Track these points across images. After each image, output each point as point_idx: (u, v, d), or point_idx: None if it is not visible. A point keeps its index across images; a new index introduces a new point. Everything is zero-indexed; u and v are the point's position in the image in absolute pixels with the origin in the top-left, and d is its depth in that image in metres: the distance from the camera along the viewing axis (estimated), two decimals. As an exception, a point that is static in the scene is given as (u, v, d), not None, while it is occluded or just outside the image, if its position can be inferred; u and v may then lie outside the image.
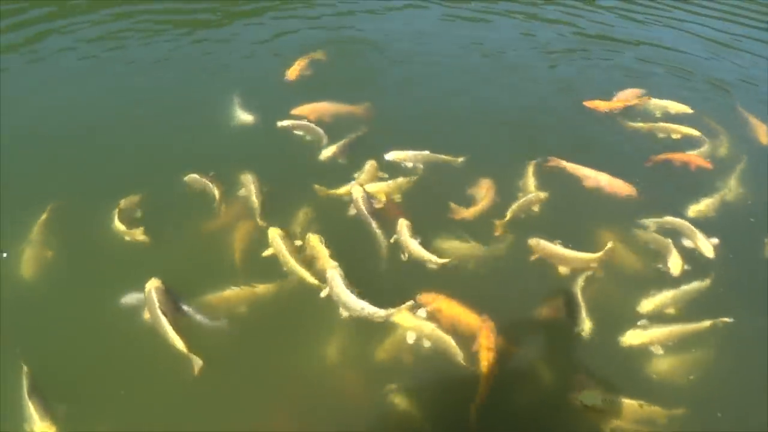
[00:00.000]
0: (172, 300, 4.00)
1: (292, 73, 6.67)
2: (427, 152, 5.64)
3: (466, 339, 3.99)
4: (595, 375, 3.86)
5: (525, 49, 8.19)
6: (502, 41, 8.34)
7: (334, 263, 4.31)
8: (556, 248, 4.71)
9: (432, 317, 4.10)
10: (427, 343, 3.97)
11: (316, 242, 4.51)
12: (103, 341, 3.89)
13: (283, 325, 4.08)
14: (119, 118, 5.95)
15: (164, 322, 3.81)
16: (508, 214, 5.01)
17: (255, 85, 6.63)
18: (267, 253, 4.48)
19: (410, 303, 4.08)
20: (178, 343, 3.74)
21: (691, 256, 4.81)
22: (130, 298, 4.03)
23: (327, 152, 5.57)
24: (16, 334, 3.88)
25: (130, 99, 6.27)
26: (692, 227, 4.99)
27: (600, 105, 6.75)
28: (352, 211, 4.93)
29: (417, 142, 5.70)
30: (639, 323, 4.19)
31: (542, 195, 5.25)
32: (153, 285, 4.00)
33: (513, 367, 3.92)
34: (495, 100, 6.92)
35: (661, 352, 4.04)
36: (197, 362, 3.68)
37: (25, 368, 3.60)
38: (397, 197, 5.15)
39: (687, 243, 4.93)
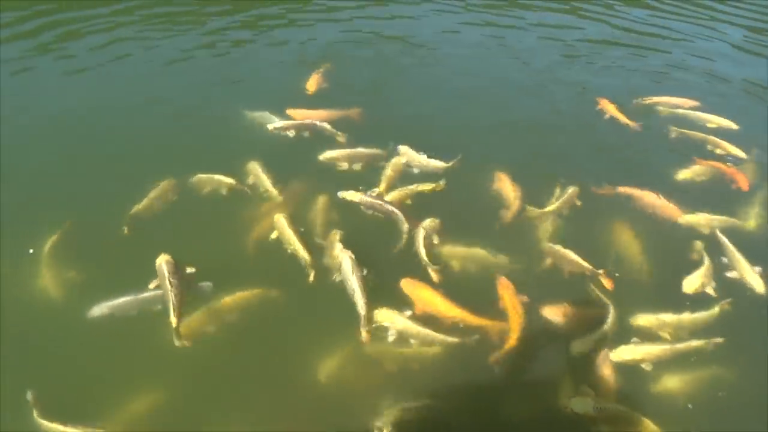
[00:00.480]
0: (178, 272, 4.24)
1: (311, 85, 6.64)
2: (424, 156, 5.62)
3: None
4: (588, 383, 3.81)
5: (552, 51, 8.13)
6: (528, 41, 8.32)
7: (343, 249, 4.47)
8: (569, 253, 4.68)
9: (416, 313, 4.17)
10: (414, 342, 4.01)
11: (334, 237, 4.64)
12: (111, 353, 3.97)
13: (281, 331, 4.15)
14: (132, 119, 6.10)
15: (170, 289, 4.06)
16: (550, 207, 5.13)
17: (272, 87, 6.78)
18: (273, 236, 4.70)
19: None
20: (173, 315, 3.95)
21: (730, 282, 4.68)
22: (99, 309, 4.10)
23: (329, 154, 5.58)
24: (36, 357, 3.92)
25: (143, 99, 6.42)
26: (737, 253, 4.81)
27: (609, 107, 6.69)
28: (368, 211, 5.01)
29: (426, 146, 5.73)
30: (632, 341, 4.11)
31: (577, 189, 5.34)
32: (163, 259, 4.27)
33: (505, 373, 3.91)
34: (514, 103, 6.89)
35: (650, 368, 3.97)
36: (181, 341, 3.91)
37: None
38: (408, 201, 5.17)
39: (727, 266, 4.80)
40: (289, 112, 6.16)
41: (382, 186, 5.26)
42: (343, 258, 4.35)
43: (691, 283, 4.56)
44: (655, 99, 6.88)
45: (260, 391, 3.80)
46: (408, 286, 4.34)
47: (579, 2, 9.48)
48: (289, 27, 8.28)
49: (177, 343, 3.87)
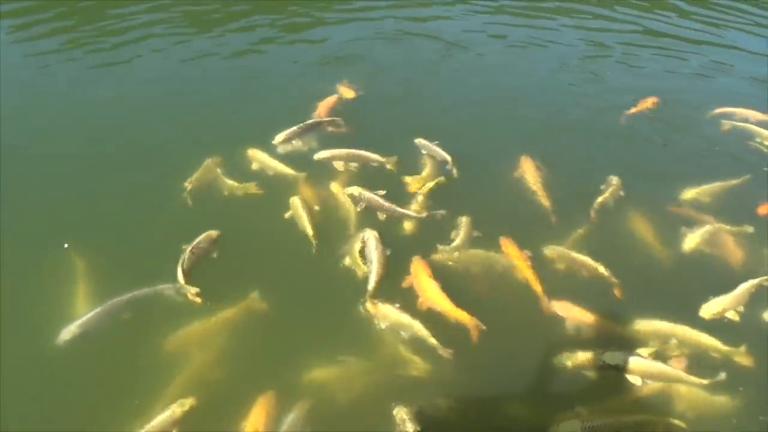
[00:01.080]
0: (205, 248, 4.64)
1: (346, 92, 6.57)
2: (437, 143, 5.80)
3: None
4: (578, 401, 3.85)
5: (587, 51, 8.06)
6: (566, 42, 8.23)
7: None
8: (576, 255, 4.71)
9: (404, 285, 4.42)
10: (404, 335, 4.14)
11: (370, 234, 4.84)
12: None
13: (282, 335, 4.23)
14: (152, 113, 6.25)
15: (186, 256, 4.47)
16: (600, 200, 5.26)
17: (297, 84, 6.87)
18: (288, 214, 4.99)
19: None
20: (180, 275, 4.36)
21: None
22: (68, 332, 3.98)
23: (324, 154, 5.65)
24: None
25: (165, 94, 6.60)
26: None
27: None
28: (360, 207, 5.13)
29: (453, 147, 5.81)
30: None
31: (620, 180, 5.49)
32: (208, 233, 4.70)
33: (492, 393, 3.97)
34: (547, 104, 6.86)
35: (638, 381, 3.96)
36: (191, 290, 4.28)
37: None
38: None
39: None
40: (321, 104, 6.28)
41: (416, 185, 5.42)
42: (368, 237, 4.69)
43: (709, 309, 4.44)
44: (748, 112, 6.61)
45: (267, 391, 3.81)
46: (415, 262, 4.57)
47: (614, 2, 9.24)
48: (315, 26, 8.33)
49: (192, 292, 4.23)
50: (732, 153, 6.11)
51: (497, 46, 7.98)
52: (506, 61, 7.66)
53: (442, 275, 4.53)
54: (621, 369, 3.96)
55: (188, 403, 3.67)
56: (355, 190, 5.22)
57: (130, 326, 4.12)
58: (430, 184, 5.38)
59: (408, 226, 5.05)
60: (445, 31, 8.17)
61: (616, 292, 4.53)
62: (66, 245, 4.62)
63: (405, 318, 4.18)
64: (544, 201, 5.29)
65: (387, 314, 4.22)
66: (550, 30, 8.44)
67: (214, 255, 4.65)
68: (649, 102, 6.67)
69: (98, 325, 4.08)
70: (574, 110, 6.72)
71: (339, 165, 5.61)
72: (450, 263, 4.69)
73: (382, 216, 5.11)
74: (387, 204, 5.13)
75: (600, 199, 5.30)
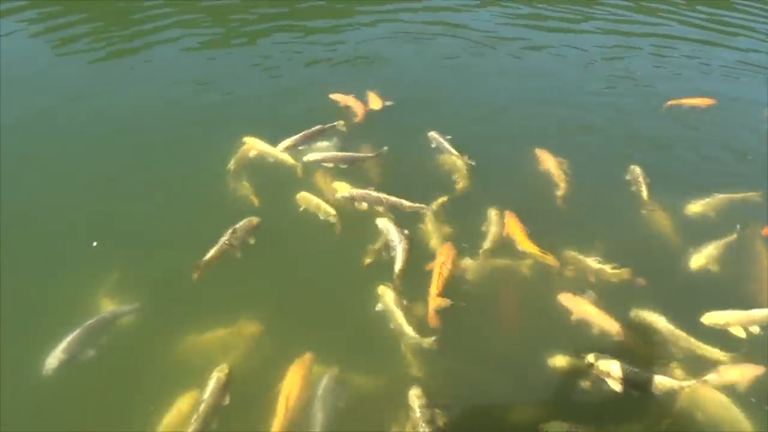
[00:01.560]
0: (244, 233, 4.72)
1: (374, 102, 6.48)
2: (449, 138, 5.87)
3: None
4: (565, 405, 3.86)
5: (615, 48, 7.96)
6: (596, 38, 8.16)
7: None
8: (590, 262, 4.67)
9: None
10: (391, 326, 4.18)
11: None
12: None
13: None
14: (165, 105, 6.36)
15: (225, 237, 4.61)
16: (645, 191, 5.37)
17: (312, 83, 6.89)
18: (301, 208, 5.10)
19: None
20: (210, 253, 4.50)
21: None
22: (53, 358, 3.79)
23: (313, 156, 5.61)
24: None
25: (179, 85, 6.72)
26: None
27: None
28: (363, 206, 5.17)
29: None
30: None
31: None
32: (249, 219, 4.81)
33: (481, 396, 3.94)
34: (574, 101, 6.81)
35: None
36: (194, 275, 4.38)
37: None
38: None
39: None
40: (333, 96, 6.42)
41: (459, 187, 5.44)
42: (386, 223, 4.84)
43: (710, 317, 4.32)
44: None
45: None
46: (443, 247, 4.68)
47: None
48: (338, 24, 8.39)
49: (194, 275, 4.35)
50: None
51: (523, 42, 7.93)
52: (534, 58, 7.64)
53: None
54: (611, 376, 3.92)
55: (225, 368, 3.74)
56: (346, 191, 5.23)
57: (132, 330, 4.12)
58: (439, 201, 5.30)
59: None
60: (471, 28, 8.17)
61: (640, 281, 4.52)
62: (95, 243, 4.69)
63: (394, 309, 4.23)
64: (561, 192, 5.34)
65: (383, 297, 4.32)
66: (578, 24, 8.36)
67: (252, 241, 4.73)
68: (687, 102, 6.55)
69: (85, 347, 3.91)
70: (602, 109, 6.63)
71: (329, 165, 5.58)
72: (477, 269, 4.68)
73: (380, 208, 5.14)
74: (377, 195, 5.16)
75: (648, 205, 5.29)
